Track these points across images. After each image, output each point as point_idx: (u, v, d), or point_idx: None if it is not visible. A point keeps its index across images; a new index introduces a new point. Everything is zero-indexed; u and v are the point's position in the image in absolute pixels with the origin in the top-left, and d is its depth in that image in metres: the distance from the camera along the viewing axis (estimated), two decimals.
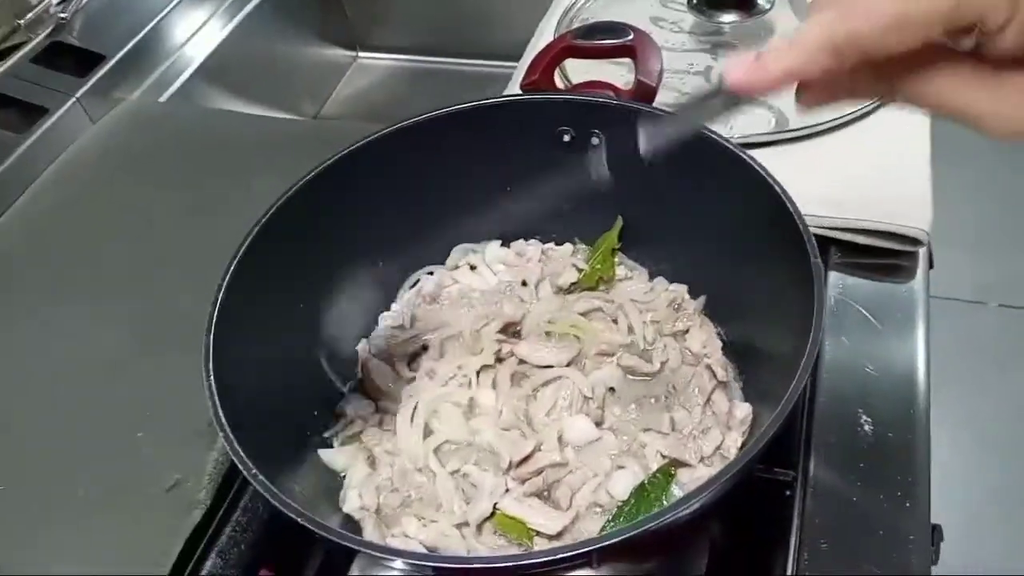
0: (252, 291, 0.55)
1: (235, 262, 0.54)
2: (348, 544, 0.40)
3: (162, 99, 1.00)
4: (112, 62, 0.96)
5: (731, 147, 0.57)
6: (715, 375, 0.57)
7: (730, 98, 0.40)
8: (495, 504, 0.53)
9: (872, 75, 0.38)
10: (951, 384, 1.32)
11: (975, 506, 1.44)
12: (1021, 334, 1.75)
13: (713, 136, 0.58)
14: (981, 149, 2.10)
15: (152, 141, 0.91)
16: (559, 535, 0.52)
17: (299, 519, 0.41)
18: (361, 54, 1.37)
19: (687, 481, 0.54)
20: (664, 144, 0.45)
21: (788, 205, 0.51)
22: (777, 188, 0.52)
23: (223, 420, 0.45)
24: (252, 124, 0.97)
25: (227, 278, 0.53)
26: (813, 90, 0.40)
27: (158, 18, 1.02)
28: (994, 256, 1.86)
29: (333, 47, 1.34)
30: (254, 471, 0.42)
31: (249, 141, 0.90)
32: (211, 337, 0.49)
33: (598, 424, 0.57)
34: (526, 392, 0.59)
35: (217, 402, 0.46)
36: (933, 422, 0.59)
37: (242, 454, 0.43)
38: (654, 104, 0.62)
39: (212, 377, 0.47)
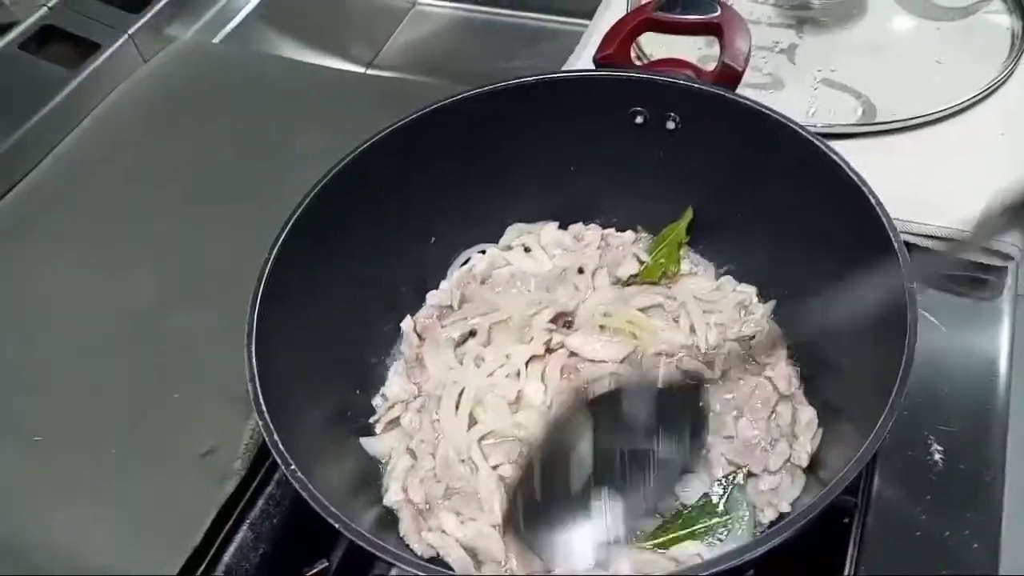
0: (299, 265, 0.53)
1: (283, 234, 0.51)
2: (373, 551, 0.38)
3: (216, 39, 0.97)
4: None
5: (819, 143, 0.53)
6: (778, 389, 0.54)
7: None
8: None
9: None
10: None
11: None
12: None
13: (801, 130, 0.53)
14: None
15: (203, 84, 0.88)
16: None
17: (331, 520, 0.39)
18: (420, 0, 1.32)
19: (752, 492, 0.52)
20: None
21: (883, 220, 0.47)
22: (872, 199, 0.48)
23: (264, 411, 0.43)
24: (306, 73, 0.93)
25: (274, 251, 0.50)
26: None
27: None
28: None
29: None
30: (293, 468, 0.41)
31: (303, 91, 0.87)
32: (255, 315, 0.47)
33: None
34: (576, 387, 0.56)
35: (258, 389, 0.44)
36: None
37: (282, 448, 0.41)
38: (738, 90, 0.57)
39: (254, 359, 0.45)
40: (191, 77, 0.89)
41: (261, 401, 0.43)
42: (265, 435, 0.42)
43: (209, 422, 0.59)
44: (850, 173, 0.49)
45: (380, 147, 0.56)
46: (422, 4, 1.32)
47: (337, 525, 0.39)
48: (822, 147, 0.51)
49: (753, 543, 0.37)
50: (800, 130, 0.52)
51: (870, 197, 0.48)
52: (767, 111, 0.53)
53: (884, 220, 0.47)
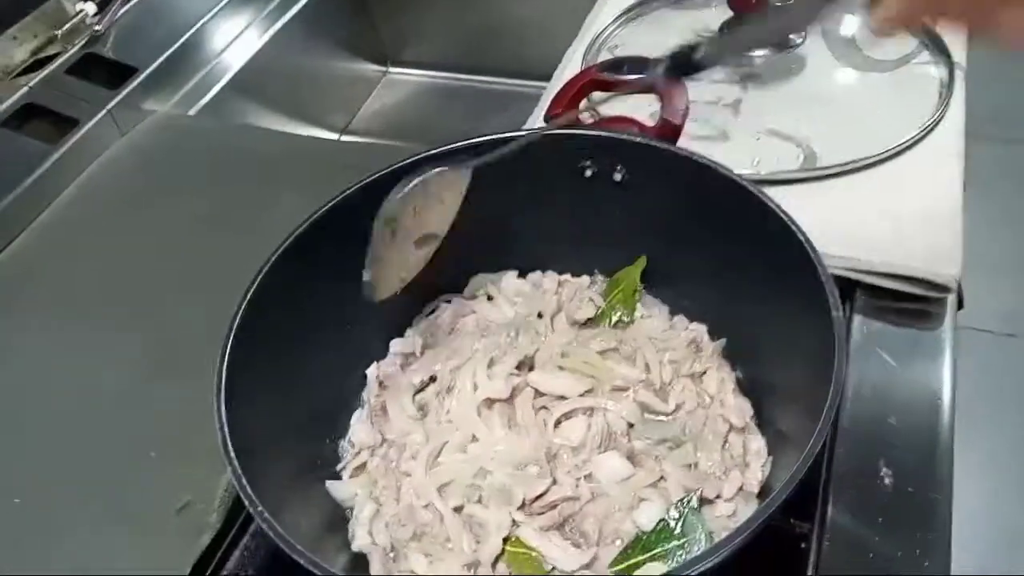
0: (268, 318, 0.55)
1: (251, 290, 0.54)
2: None
3: (192, 112, 1.01)
4: (144, 75, 0.97)
5: (751, 188, 0.56)
6: (729, 421, 0.56)
7: None
8: (504, 538, 0.53)
9: None
10: (974, 420, 1.29)
11: (994, 546, 1.40)
12: None
13: (734, 177, 0.57)
14: (1016, 173, 2.05)
15: (179, 155, 0.92)
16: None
17: (302, 561, 0.40)
18: (391, 69, 1.38)
19: (709, 518, 0.53)
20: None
21: (811, 255, 0.50)
22: (800, 236, 0.51)
23: (232, 455, 0.45)
24: (278, 141, 0.97)
25: (243, 306, 0.53)
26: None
27: (190, 32, 1.03)
28: None
29: (364, 61, 1.35)
30: (260, 508, 0.42)
31: (275, 158, 0.91)
32: (224, 367, 0.49)
33: (629, 457, 0.56)
34: (540, 426, 0.58)
35: (227, 435, 0.46)
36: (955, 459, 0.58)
37: (249, 491, 0.43)
38: (678, 142, 0.61)
39: (223, 408, 0.47)
40: (168, 148, 0.93)
41: (230, 446, 0.45)
42: (233, 479, 0.43)
43: (185, 479, 0.61)
44: (780, 214, 0.53)
45: (342, 206, 0.59)
46: (393, 72, 1.38)
47: (302, 561, 0.40)
48: (754, 191, 0.55)
49: (686, 563, 0.39)
50: (734, 177, 0.56)
51: (799, 235, 0.51)
52: (702, 160, 0.57)
53: (812, 256, 0.50)
